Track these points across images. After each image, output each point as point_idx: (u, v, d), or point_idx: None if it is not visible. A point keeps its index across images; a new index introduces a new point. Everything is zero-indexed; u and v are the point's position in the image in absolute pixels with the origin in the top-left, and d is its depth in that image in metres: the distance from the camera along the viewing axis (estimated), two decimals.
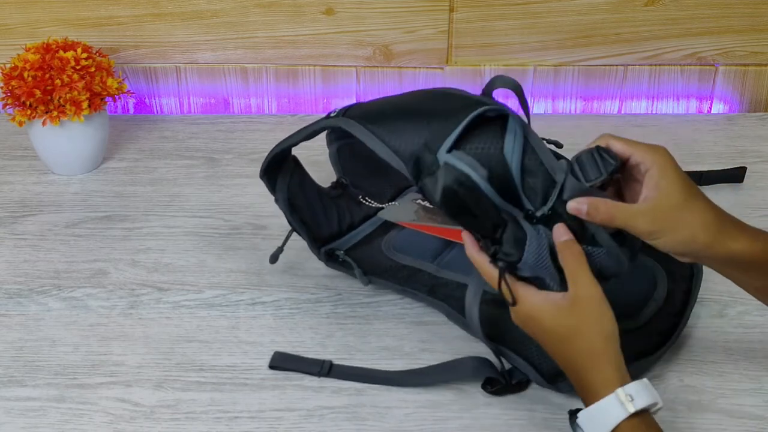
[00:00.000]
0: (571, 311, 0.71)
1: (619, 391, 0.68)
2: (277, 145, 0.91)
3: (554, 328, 0.72)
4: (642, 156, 0.72)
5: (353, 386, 0.84)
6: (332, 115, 0.86)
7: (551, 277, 0.73)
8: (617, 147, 0.73)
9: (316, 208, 0.98)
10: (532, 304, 0.73)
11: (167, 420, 0.80)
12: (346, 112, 0.84)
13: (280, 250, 0.97)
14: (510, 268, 0.73)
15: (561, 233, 0.73)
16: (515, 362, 0.83)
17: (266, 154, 1.25)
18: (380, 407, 0.81)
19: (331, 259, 0.97)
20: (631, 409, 0.68)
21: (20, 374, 0.86)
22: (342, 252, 0.96)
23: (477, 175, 0.73)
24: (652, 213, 0.70)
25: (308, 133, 0.88)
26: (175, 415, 0.81)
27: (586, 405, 0.70)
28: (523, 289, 0.74)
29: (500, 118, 0.76)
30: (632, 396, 0.68)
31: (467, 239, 0.76)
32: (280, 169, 0.94)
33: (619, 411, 0.68)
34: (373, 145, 0.81)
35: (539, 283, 0.74)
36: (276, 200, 0.94)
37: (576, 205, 0.72)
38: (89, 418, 0.81)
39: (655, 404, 0.69)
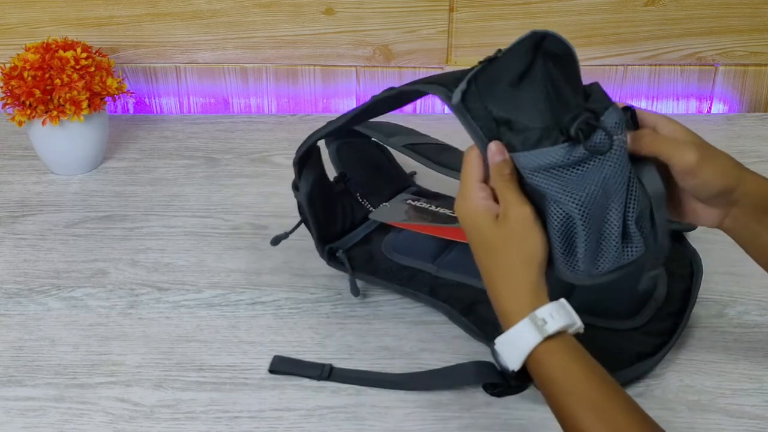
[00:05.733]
0: (498, 226, 0.70)
1: (533, 315, 0.67)
2: (341, 117, 0.85)
3: (485, 236, 0.70)
4: (644, 117, 0.73)
5: (353, 386, 0.84)
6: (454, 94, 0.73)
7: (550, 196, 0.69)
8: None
9: (328, 205, 0.97)
10: (479, 203, 0.71)
11: (167, 420, 0.80)
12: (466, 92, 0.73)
13: (286, 235, 0.97)
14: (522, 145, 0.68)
15: (494, 152, 0.70)
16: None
17: (266, 154, 1.27)
18: (380, 407, 0.81)
19: (332, 258, 0.97)
20: (545, 333, 0.66)
21: (20, 374, 0.86)
22: (342, 252, 0.96)
23: None
24: (691, 145, 0.71)
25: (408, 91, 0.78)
26: (174, 415, 0.81)
27: (504, 330, 0.69)
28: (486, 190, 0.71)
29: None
30: (545, 320, 0.67)
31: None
32: (309, 159, 0.93)
33: (533, 336, 0.67)
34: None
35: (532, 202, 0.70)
36: (296, 189, 0.94)
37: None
38: (89, 417, 0.81)
39: (571, 325, 0.68)
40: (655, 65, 1.35)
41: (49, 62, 1.12)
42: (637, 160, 0.71)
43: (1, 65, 1.16)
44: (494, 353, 0.70)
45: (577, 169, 0.67)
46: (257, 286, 0.98)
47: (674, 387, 0.83)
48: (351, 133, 1.04)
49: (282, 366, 0.86)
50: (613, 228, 0.69)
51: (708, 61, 1.35)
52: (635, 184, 0.70)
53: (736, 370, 0.84)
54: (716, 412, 0.80)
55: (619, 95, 1.37)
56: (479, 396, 0.82)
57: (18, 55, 1.15)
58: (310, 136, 0.90)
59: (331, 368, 0.85)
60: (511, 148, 0.69)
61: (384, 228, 1.01)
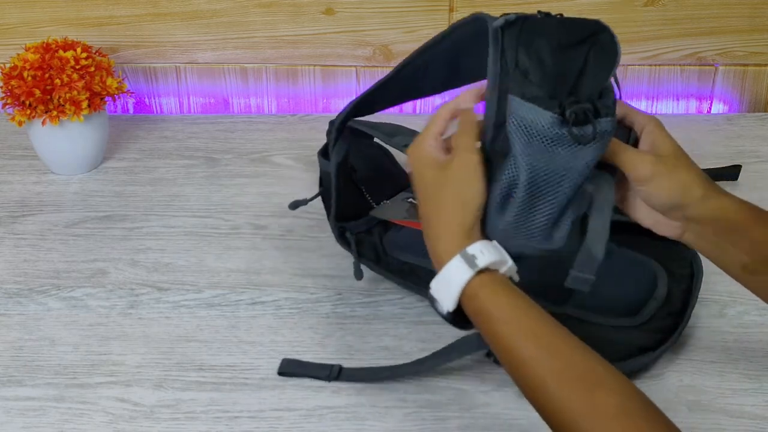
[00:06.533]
0: (443, 169, 0.71)
1: (463, 251, 0.68)
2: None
3: (426, 179, 0.72)
4: (635, 117, 0.75)
5: (353, 386, 0.84)
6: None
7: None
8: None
9: (345, 184, 0.98)
10: (429, 150, 0.73)
11: (167, 420, 0.80)
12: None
13: (305, 202, 0.98)
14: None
15: (466, 99, 0.72)
16: None
17: (266, 154, 1.27)
18: (380, 407, 0.81)
19: (341, 237, 0.97)
20: (476, 268, 0.67)
21: (20, 374, 0.86)
22: (350, 233, 0.96)
23: None
24: (651, 158, 0.72)
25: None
26: (174, 415, 0.81)
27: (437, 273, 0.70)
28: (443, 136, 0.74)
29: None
30: (476, 255, 0.67)
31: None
32: (344, 130, 0.93)
33: (465, 271, 0.67)
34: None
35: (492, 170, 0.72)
36: (325, 157, 0.94)
37: None
38: (89, 417, 0.81)
39: (503, 262, 0.69)
40: (655, 65, 1.35)
41: (49, 62, 1.12)
42: (601, 167, 0.72)
43: (1, 65, 1.16)
44: (431, 300, 0.71)
45: (548, 144, 0.68)
46: (257, 286, 0.98)
47: (674, 387, 0.83)
48: (353, 132, 1.04)
49: (291, 368, 0.86)
50: (551, 209, 0.70)
51: (708, 61, 1.35)
52: (586, 193, 0.72)
53: (736, 370, 0.84)
54: (716, 412, 0.80)
55: (619, 95, 1.36)
56: (479, 396, 0.82)
57: (18, 55, 1.15)
58: (355, 102, 0.90)
59: (341, 368, 0.85)
60: (511, 90, 0.71)
61: (384, 225, 1.01)
